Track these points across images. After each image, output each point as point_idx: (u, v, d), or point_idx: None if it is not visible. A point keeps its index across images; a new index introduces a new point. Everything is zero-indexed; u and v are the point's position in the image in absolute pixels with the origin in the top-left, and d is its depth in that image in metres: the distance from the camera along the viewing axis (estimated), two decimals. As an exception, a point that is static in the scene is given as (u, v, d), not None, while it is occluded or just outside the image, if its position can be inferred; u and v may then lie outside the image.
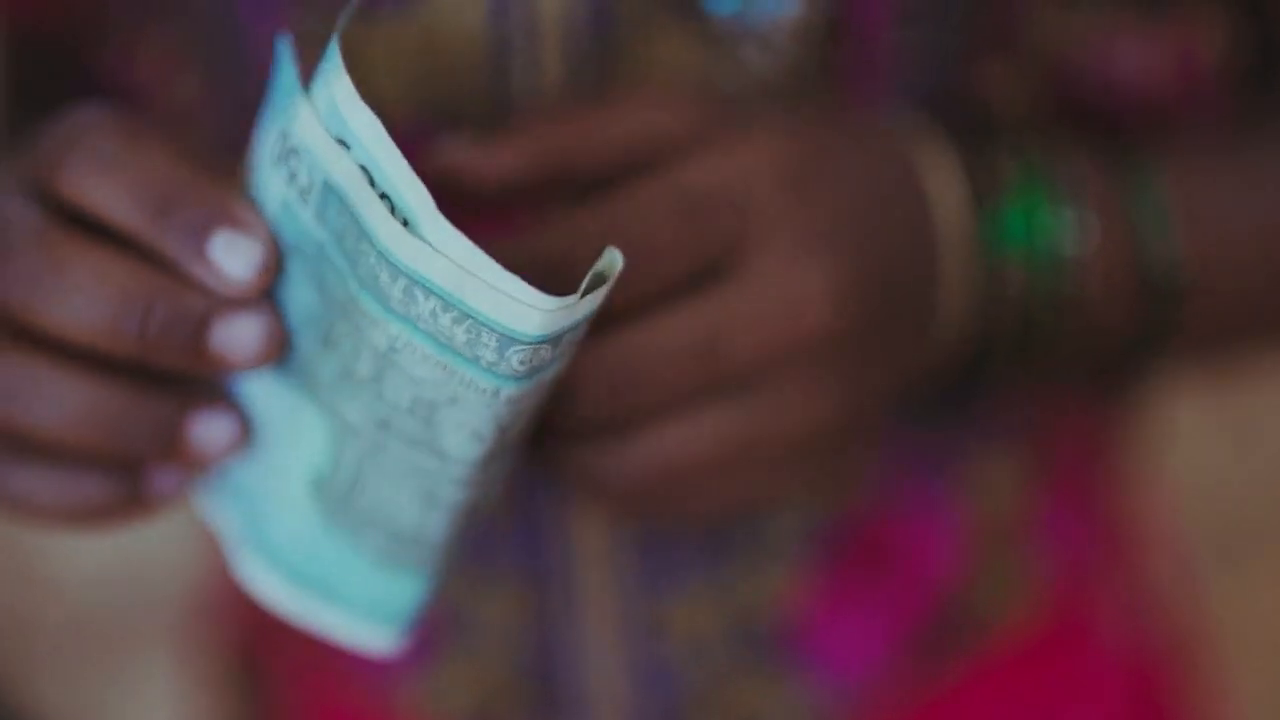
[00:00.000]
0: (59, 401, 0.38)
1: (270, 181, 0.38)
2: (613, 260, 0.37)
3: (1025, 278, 0.44)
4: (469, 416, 0.37)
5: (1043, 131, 0.49)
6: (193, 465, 0.39)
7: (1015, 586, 0.56)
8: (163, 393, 0.39)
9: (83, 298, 0.37)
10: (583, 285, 0.36)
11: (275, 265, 0.37)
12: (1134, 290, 0.46)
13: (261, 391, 0.40)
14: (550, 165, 0.41)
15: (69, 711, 1.57)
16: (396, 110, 0.45)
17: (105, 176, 0.37)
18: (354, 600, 0.42)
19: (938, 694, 0.57)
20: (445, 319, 0.36)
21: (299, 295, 0.38)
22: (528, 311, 0.35)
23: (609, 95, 0.43)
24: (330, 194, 0.36)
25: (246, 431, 0.40)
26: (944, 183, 0.44)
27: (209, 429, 0.39)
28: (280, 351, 0.38)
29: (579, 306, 0.36)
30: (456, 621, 0.55)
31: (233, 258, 0.36)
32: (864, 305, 0.41)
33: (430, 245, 0.35)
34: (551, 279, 0.40)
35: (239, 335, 0.37)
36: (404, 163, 0.35)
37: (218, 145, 0.49)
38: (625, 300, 0.40)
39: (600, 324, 0.40)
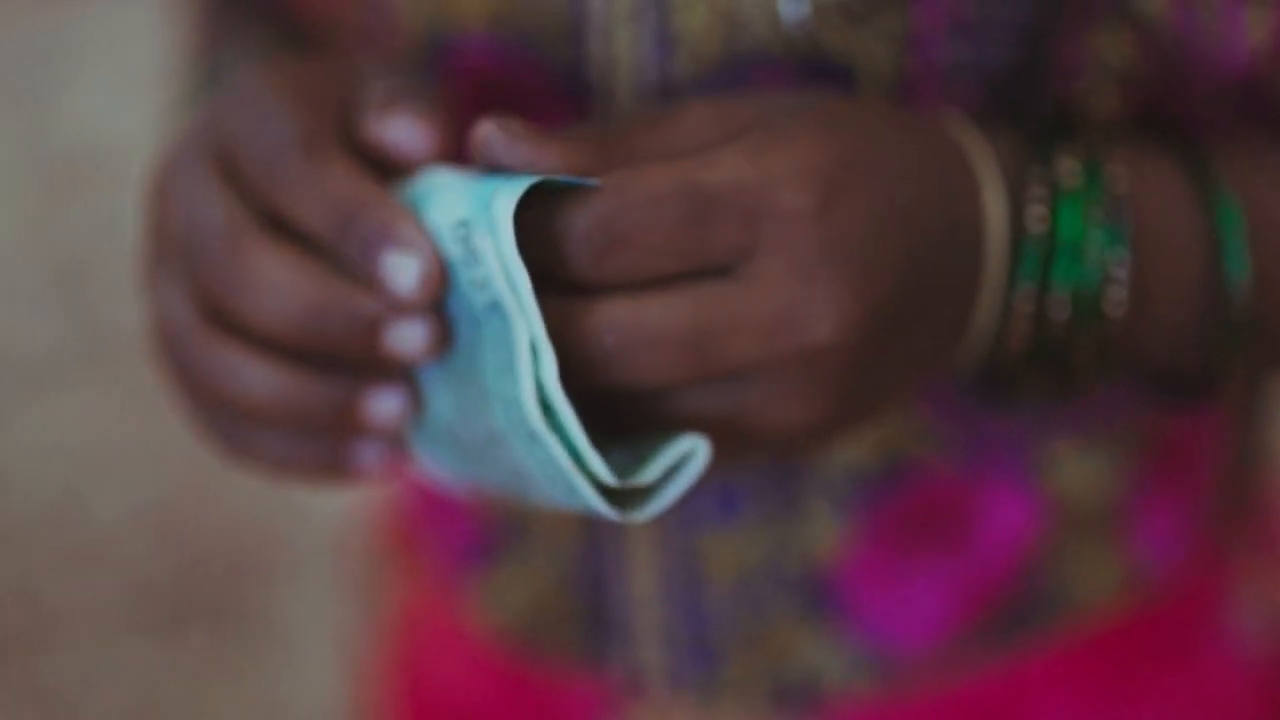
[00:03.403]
0: (253, 382, 0.42)
1: (444, 228, 0.39)
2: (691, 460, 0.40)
3: (1039, 298, 0.43)
4: (557, 481, 0.41)
5: (1119, 135, 0.46)
6: (374, 433, 0.43)
7: (1102, 573, 0.54)
8: (338, 375, 0.42)
9: (269, 301, 0.40)
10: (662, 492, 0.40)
11: (440, 278, 0.39)
12: (1194, 307, 0.45)
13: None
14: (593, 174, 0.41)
15: (287, 616, 1.70)
16: (473, 26, 0.46)
17: (297, 188, 0.40)
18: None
19: (1007, 669, 0.55)
20: (545, 459, 0.39)
21: (460, 315, 0.41)
22: (608, 509, 0.39)
23: (665, 112, 0.42)
24: (500, 312, 0.38)
25: (417, 404, 0.42)
26: (995, 195, 0.42)
27: (380, 404, 0.42)
28: (444, 350, 0.41)
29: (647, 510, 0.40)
30: (513, 525, 0.56)
31: (401, 273, 0.39)
32: (874, 322, 0.39)
33: (557, 437, 0.38)
34: (547, 242, 0.40)
35: (407, 338, 0.40)
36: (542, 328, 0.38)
37: (356, 42, 0.51)
38: (617, 280, 0.39)
39: (592, 293, 0.40)
